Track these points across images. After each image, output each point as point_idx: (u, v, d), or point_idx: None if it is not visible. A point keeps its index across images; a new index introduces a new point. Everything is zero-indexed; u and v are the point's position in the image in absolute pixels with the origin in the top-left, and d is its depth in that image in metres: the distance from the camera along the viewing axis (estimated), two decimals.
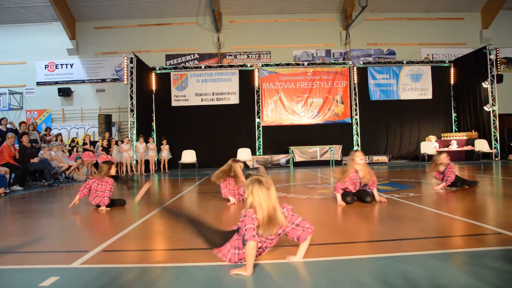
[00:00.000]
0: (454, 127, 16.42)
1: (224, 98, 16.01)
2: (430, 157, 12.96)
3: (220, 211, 4.65)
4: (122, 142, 12.85)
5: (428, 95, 16.35)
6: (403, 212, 4.00)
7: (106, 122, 14.71)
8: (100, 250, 2.77)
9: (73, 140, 13.04)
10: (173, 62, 16.71)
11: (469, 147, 13.80)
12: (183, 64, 16.62)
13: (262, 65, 16.08)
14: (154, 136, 15.33)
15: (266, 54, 16.98)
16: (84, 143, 11.81)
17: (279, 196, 5.58)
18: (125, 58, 13.72)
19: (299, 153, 14.57)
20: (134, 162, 13.09)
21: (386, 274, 2.06)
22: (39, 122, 15.67)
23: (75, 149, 11.59)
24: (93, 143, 12.40)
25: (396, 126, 16.21)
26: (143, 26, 16.77)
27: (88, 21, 16.64)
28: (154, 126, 15.74)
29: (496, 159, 14.21)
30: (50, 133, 12.15)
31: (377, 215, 3.91)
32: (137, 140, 13.23)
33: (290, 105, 16.04)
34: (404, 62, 16.29)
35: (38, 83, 16.62)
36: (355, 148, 16.03)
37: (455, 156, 14.14)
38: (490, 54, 14.45)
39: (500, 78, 15.07)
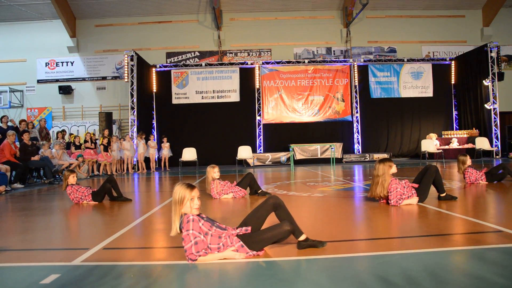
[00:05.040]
0: (454, 125, 16.41)
1: (225, 96, 16.01)
2: (431, 155, 12.98)
3: (225, 207, 4.66)
4: (124, 139, 12.85)
5: (429, 93, 16.33)
6: (404, 210, 4.00)
7: (107, 120, 14.71)
8: (100, 248, 2.78)
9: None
10: (174, 60, 16.69)
11: (469, 145, 13.77)
12: (184, 62, 16.60)
13: (263, 63, 16.05)
14: (155, 134, 15.32)
15: (267, 51, 16.95)
16: (85, 141, 11.81)
17: (281, 194, 5.60)
18: (126, 56, 13.70)
19: (300, 151, 14.57)
20: (135, 160, 13.09)
21: (387, 272, 2.06)
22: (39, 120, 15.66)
23: (73, 147, 11.56)
24: (94, 143, 12.35)
25: (397, 124, 16.20)
26: (143, 24, 16.75)
27: (89, 18, 16.62)
28: (155, 124, 15.74)
29: (497, 157, 14.20)
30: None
31: (377, 213, 3.91)
32: (137, 138, 13.22)
33: (291, 103, 16.03)
34: (405, 59, 16.26)
35: (38, 81, 16.62)
36: (355, 146, 16.04)
37: (456, 154, 14.12)
38: (491, 52, 14.42)
39: (501, 76, 15.05)
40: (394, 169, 4.26)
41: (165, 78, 15.91)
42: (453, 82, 16.44)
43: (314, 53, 17.01)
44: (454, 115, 16.49)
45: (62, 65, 16.71)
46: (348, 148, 15.75)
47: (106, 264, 2.39)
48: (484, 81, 14.64)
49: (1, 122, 9.82)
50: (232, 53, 16.87)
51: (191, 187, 2.42)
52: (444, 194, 4.50)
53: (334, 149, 13.54)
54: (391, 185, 4.21)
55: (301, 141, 14.55)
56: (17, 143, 9.10)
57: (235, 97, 16.00)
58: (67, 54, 16.65)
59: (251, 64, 15.99)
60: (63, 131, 12.37)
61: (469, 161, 6.27)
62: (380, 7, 16.71)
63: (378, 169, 4.25)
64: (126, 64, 13.78)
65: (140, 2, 16.04)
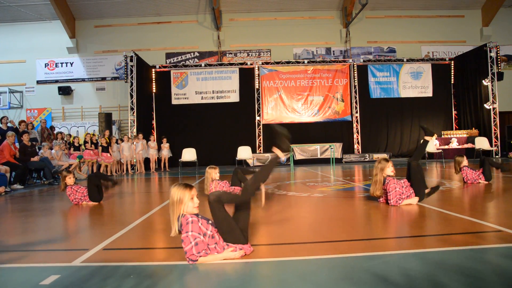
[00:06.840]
0: (454, 124, 16.42)
1: (224, 96, 16.00)
2: (431, 155, 12.98)
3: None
4: (122, 140, 12.84)
5: (429, 93, 16.34)
6: (403, 210, 4.00)
7: (106, 120, 14.71)
8: (100, 248, 2.78)
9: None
10: (173, 60, 16.69)
11: (469, 145, 13.78)
12: (183, 62, 16.60)
13: (262, 63, 16.06)
14: (154, 134, 15.32)
15: (266, 52, 16.96)
16: (85, 142, 11.81)
17: (280, 195, 5.60)
18: (125, 56, 13.70)
19: (300, 151, 14.57)
20: (134, 160, 13.08)
21: (386, 272, 2.06)
22: (39, 121, 15.65)
23: (71, 148, 11.54)
24: (95, 144, 12.31)
25: (397, 124, 16.21)
26: (143, 25, 16.75)
27: (88, 19, 16.62)
28: (154, 125, 15.74)
29: (497, 156, 14.21)
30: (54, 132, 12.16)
31: (377, 213, 3.91)
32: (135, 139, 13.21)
33: (290, 103, 16.03)
34: (404, 59, 16.27)
35: (38, 82, 16.61)
36: (355, 146, 16.04)
37: (455, 154, 14.12)
38: (490, 51, 14.43)
39: (500, 76, 15.06)
40: (391, 170, 4.25)
41: (164, 78, 15.91)
42: (452, 82, 16.45)
43: (313, 53, 17.02)
44: (453, 115, 16.50)
45: (62, 66, 16.71)
46: (347, 148, 15.75)
47: (106, 264, 2.39)
48: (483, 81, 14.65)
49: (1, 123, 9.83)
50: (231, 53, 16.87)
51: (189, 186, 2.44)
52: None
53: (334, 149, 13.54)
54: (389, 185, 4.19)
55: (300, 141, 14.52)
56: (17, 144, 9.10)
57: (234, 97, 16.00)
58: (67, 55, 16.65)
59: (251, 64, 16.00)
60: (60, 133, 12.24)
61: (465, 161, 6.33)
62: (379, 7, 16.73)
63: (375, 169, 4.28)
64: (125, 64, 13.78)
65: (139, 2, 16.04)
